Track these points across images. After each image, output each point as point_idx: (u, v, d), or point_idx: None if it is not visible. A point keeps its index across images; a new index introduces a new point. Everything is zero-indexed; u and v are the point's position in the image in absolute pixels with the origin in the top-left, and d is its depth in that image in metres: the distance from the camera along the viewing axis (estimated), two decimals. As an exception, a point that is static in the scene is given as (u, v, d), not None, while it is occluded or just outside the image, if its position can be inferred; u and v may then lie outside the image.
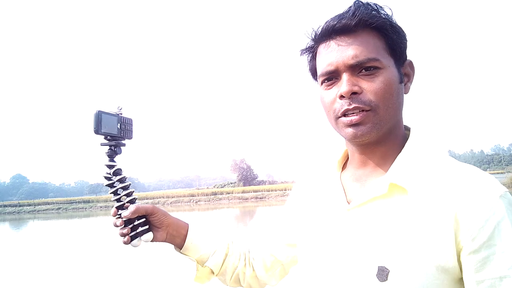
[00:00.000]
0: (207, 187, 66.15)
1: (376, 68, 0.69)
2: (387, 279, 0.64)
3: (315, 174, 0.92)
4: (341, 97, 0.70)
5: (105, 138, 0.85)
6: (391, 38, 0.72)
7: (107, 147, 0.86)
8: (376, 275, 0.65)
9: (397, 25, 0.73)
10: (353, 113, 0.70)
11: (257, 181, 64.31)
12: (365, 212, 0.71)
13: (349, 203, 0.75)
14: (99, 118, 0.80)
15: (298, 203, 0.92)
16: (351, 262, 0.69)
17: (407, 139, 0.77)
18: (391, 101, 0.71)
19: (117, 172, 0.87)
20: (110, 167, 0.86)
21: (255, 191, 45.28)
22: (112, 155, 0.87)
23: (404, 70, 0.76)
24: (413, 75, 0.78)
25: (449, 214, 0.63)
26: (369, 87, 0.69)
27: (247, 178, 63.76)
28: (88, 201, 47.77)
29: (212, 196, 44.98)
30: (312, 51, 0.79)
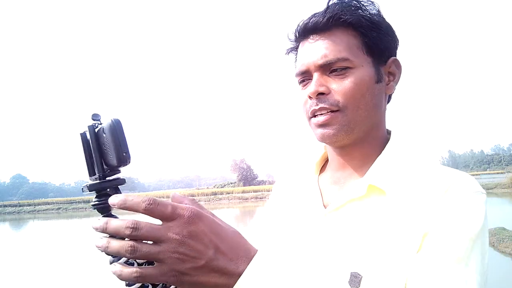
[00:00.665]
0: (207, 187, 66.03)
1: (346, 68, 0.67)
2: (359, 286, 0.60)
3: (292, 177, 0.88)
4: (310, 97, 0.70)
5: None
6: (369, 35, 0.69)
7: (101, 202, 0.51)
8: (349, 281, 0.61)
9: (379, 21, 0.70)
10: (320, 114, 0.69)
11: (257, 181, 64.19)
12: (342, 215, 0.68)
13: (325, 207, 0.72)
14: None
15: (274, 208, 0.87)
16: (325, 269, 0.65)
17: (388, 142, 0.74)
18: (363, 102, 0.68)
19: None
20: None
21: (255, 191, 45.22)
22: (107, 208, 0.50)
23: (388, 69, 0.73)
24: (399, 74, 0.75)
25: (426, 217, 0.60)
26: (338, 87, 0.67)
27: (247, 178, 63.70)
28: (88, 201, 47.43)
29: (212, 196, 44.94)
30: (293, 50, 0.78)
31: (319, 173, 0.82)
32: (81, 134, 0.50)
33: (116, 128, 0.47)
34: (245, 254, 0.47)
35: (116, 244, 0.44)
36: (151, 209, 0.43)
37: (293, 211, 0.79)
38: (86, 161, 0.51)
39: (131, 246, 0.43)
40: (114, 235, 0.44)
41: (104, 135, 0.48)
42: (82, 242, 13.73)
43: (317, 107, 0.68)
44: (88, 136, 0.50)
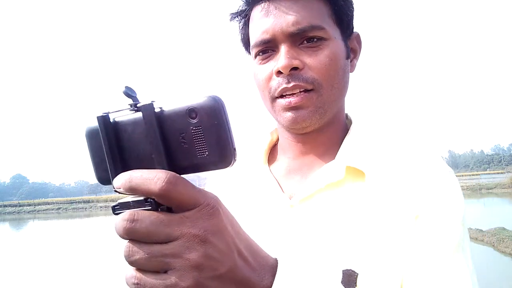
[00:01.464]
0: (207, 187, 65.82)
1: (320, 39, 0.58)
2: (356, 285, 0.51)
3: (232, 171, 0.73)
4: (279, 73, 0.58)
5: None
6: (338, 4, 0.60)
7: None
8: (342, 281, 0.52)
9: None
10: (292, 94, 0.58)
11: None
12: (314, 205, 0.59)
13: (290, 198, 0.62)
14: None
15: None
16: (306, 270, 0.52)
17: (348, 124, 0.69)
18: (336, 80, 0.60)
19: None
20: None
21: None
22: None
23: (351, 44, 0.66)
24: (359, 51, 0.68)
25: (412, 200, 0.56)
26: (312, 61, 0.58)
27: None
28: (88, 201, 47.68)
29: (212, 196, 44.82)
30: (244, 16, 0.64)
31: (268, 163, 0.70)
32: (143, 112, 0.32)
33: (223, 110, 0.31)
34: (266, 262, 0.38)
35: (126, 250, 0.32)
36: (170, 190, 0.30)
37: (249, 209, 0.65)
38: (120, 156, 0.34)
39: (128, 250, 0.32)
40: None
41: (194, 120, 0.31)
42: (82, 242, 13.74)
43: (289, 85, 0.57)
44: (151, 120, 0.32)
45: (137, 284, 0.32)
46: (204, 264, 0.31)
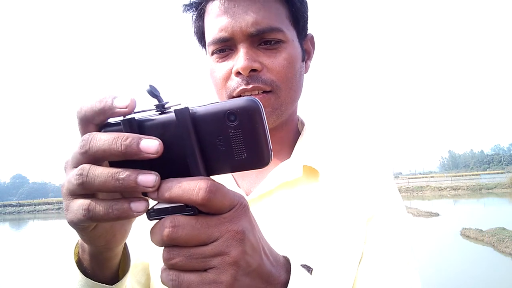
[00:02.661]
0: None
1: (279, 41, 0.58)
2: None
3: None
4: (238, 73, 0.58)
5: None
6: (296, 5, 0.60)
7: None
8: None
9: None
10: (250, 94, 0.58)
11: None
12: (271, 202, 0.60)
13: (247, 194, 0.62)
14: None
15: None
16: None
17: (299, 126, 0.71)
18: (294, 82, 0.61)
19: None
20: None
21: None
22: None
23: (305, 46, 0.66)
24: (313, 53, 0.69)
25: (365, 201, 0.61)
26: (271, 63, 0.58)
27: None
28: (88, 201, 47.63)
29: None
30: (200, 8, 0.62)
31: None
32: (178, 112, 0.31)
33: (263, 112, 0.31)
34: (279, 259, 0.39)
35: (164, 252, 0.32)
36: (211, 199, 0.30)
37: None
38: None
39: (168, 252, 0.32)
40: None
41: (233, 123, 0.30)
42: (82, 242, 13.70)
43: (248, 87, 0.57)
44: (186, 122, 0.31)
45: (175, 280, 0.32)
46: (241, 260, 0.32)
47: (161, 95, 0.32)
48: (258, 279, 0.34)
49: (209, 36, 0.60)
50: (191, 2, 0.63)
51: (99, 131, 0.32)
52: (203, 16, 0.63)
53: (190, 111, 0.31)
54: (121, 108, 0.30)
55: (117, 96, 0.31)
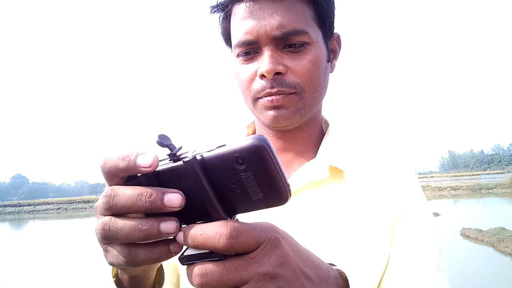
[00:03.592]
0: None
1: (304, 43, 0.58)
2: None
3: None
4: (262, 76, 0.59)
5: None
6: (322, 6, 0.60)
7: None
8: None
9: None
10: (274, 95, 0.59)
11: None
12: (296, 203, 0.60)
13: None
14: None
15: None
16: None
17: (324, 125, 0.72)
18: (318, 84, 0.61)
19: None
20: None
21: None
22: None
23: (331, 45, 0.66)
24: (339, 52, 0.69)
25: (390, 203, 0.61)
26: (295, 66, 0.58)
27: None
28: (88, 201, 47.67)
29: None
30: (225, 9, 0.63)
31: None
32: (186, 162, 0.31)
33: (269, 150, 0.30)
34: (328, 275, 0.37)
35: None
36: (233, 244, 0.29)
37: None
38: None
39: None
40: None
41: (242, 166, 0.30)
42: (82, 242, 13.74)
43: (273, 90, 0.58)
44: (197, 170, 0.31)
45: None
46: None
47: (172, 143, 0.32)
48: None
49: (235, 39, 0.61)
50: (218, 3, 0.63)
51: (123, 183, 0.33)
52: (229, 17, 0.63)
53: (199, 158, 0.31)
54: (144, 167, 0.31)
55: (140, 153, 0.31)
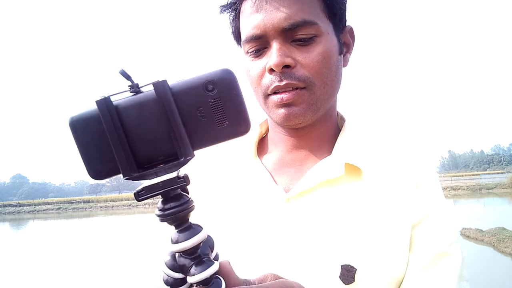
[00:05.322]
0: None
1: (313, 35, 0.57)
2: (354, 280, 0.53)
3: (220, 164, 0.69)
4: (271, 70, 0.57)
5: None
6: None
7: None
8: (340, 276, 0.53)
9: None
10: (284, 91, 0.58)
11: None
12: (312, 200, 0.59)
13: (286, 192, 0.61)
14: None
15: (213, 202, 0.65)
16: (304, 265, 0.55)
17: (339, 122, 0.70)
18: (329, 77, 0.59)
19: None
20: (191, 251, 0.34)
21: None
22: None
23: (344, 38, 0.64)
24: (353, 45, 0.67)
25: (409, 204, 0.59)
26: (304, 59, 0.57)
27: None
28: (88, 201, 47.68)
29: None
30: (234, 9, 0.62)
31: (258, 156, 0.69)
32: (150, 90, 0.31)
33: (237, 80, 0.32)
34: None
35: None
36: None
37: (241, 203, 0.63)
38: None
39: None
40: None
41: (211, 92, 0.31)
42: (82, 242, 13.73)
43: (281, 83, 0.57)
44: (163, 98, 0.30)
45: None
46: None
47: (132, 78, 0.31)
48: None
49: (243, 34, 0.60)
50: (227, 2, 0.63)
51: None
52: (239, 15, 0.63)
53: (169, 84, 0.30)
54: None
55: None
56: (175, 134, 0.30)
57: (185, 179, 0.31)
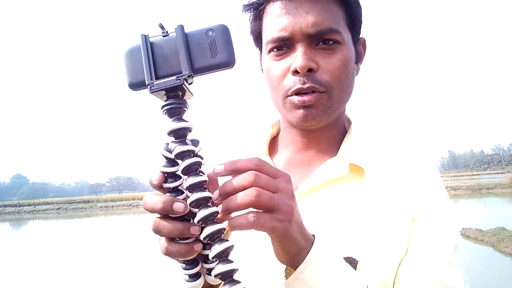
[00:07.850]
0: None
1: (336, 42, 0.60)
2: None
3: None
4: (295, 72, 0.60)
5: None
6: (353, 8, 0.63)
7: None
8: None
9: None
10: (306, 93, 0.60)
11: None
12: (317, 197, 0.62)
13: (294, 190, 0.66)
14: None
15: None
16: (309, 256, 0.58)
17: (346, 124, 0.73)
18: (346, 83, 0.63)
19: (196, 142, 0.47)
20: (178, 134, 0.47)
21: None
22: (178, 109, 0.46)
23: (358, 48, 0.68)
24: (364, 56, 0.71)
25: (410, 198, 0.62)
26: (326, 64, 0.60)
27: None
28: (88, 201, 47.71)
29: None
30: (257, 8, 0.65)
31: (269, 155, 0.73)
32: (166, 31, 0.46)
33: (228, 31, 0.46)
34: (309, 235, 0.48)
35: (242, 194, 0.41)
36: (262, 165, 0.43)
37: None
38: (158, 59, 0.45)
39: (256, 190, 0.40)
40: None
41: (210, 37, 0.45)
42: (82, 242, 13.73)
43: (304, 86, 0.60)
44: (179, 33, 0.45)
45: (253, 217, 0.40)
46: (295, 210, 0.43)
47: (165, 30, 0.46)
48: (300, 230, 0.44)
49: (268, 35, 0.63)
50: (251, 2, 0.65)
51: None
52: (262, 16, 0.65)
53: (184, 30, 0.45)
54: (177, 211, 0.41)
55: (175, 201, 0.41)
56: (181, 57, 0.44)
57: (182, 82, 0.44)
